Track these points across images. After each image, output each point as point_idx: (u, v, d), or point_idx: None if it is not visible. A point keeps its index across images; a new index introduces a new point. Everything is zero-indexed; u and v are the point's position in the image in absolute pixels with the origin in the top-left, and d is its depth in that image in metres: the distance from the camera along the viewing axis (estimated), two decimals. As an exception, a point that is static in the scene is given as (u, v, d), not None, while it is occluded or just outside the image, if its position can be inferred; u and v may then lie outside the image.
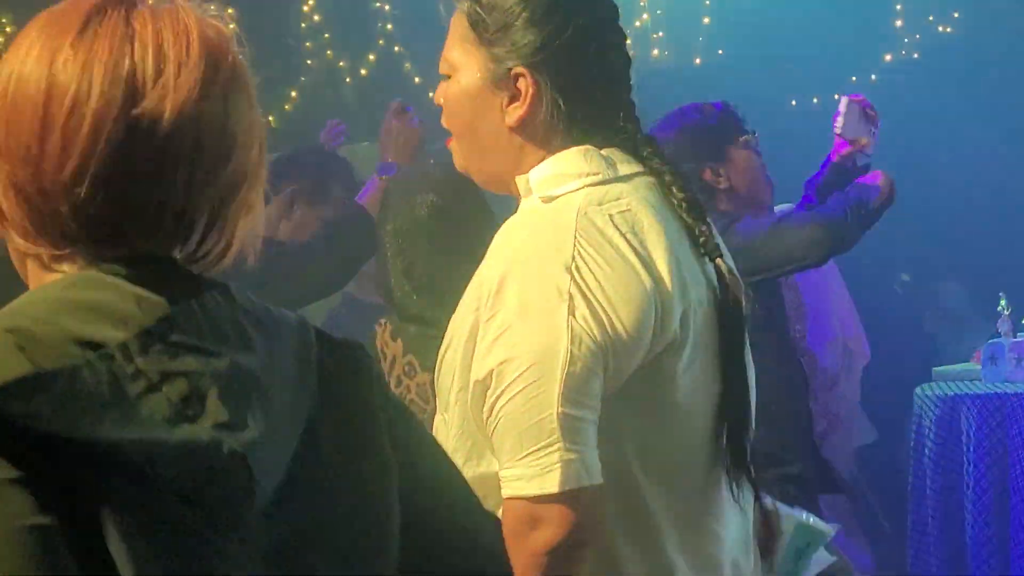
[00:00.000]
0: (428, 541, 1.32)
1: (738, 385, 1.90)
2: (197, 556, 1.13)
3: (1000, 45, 7.19)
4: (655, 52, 7.59)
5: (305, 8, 7.61)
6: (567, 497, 1.69)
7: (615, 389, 1.77)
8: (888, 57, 7.49)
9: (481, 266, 1.86)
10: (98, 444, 1.08)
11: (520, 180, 1.89)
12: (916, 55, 7.39)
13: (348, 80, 7.65)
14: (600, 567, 1.79)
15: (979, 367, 5.98)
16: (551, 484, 1.69)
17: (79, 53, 1.17)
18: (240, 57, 1.25)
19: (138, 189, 1.18)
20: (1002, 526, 5.42)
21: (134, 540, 1.08)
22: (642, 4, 7.59)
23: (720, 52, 7.43)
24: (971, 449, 5.53)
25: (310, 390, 1.26)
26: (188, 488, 1.12)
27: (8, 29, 6.12)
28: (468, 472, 1.73)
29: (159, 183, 1.18)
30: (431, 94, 6.73)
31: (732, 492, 1.91)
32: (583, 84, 1.88)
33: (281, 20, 7.53)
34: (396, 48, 7.67)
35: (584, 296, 1.73)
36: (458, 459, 1.73)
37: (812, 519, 2.18)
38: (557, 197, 1.83)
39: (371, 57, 7.67)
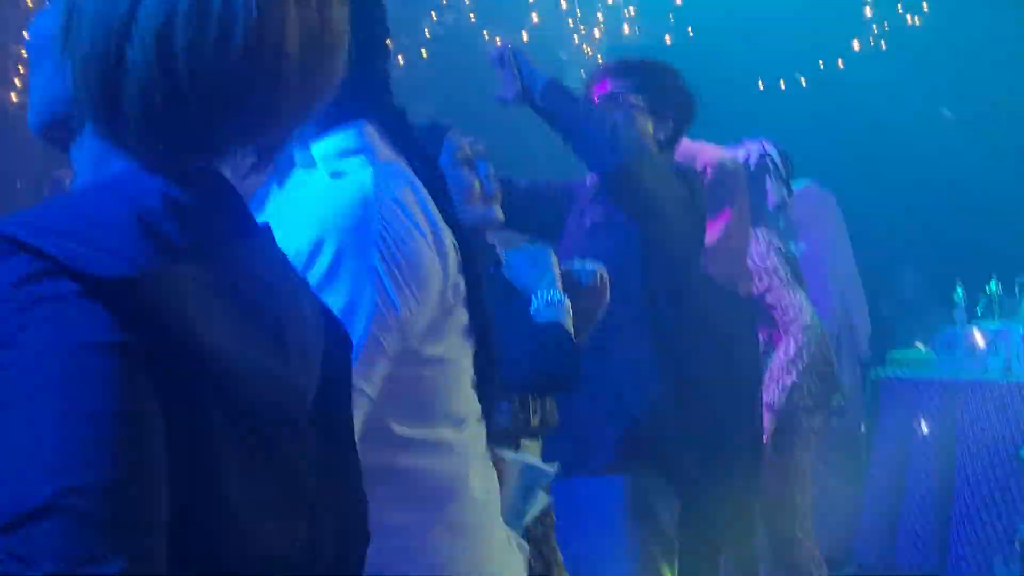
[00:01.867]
0: None
1: (482, 345, 2.00)
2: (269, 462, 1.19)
3: (966, 38, 7.26)
4: (626, 29, 7.69)
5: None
6: None
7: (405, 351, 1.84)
8: (856, 45, 7.64)
9: (282, 228, 1.86)
10: (202, 346, 1.12)
11: (301, 155, 1.93)
12: (883, 44, 7.57)
13: None
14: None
15: (933, 353, 6.12)
16: None
17: None
18: None
19: (262, 98, 1.17)
20: (941, 514, 5.60)
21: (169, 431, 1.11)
22: None
23: (690, 32, 7.45)
24: (920, 432, 5.72)
25: (321, 340, 1.34)
26: (259, 406, 1.18)
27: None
28: None
29: (281, 93, 1.19)
30: (400, 62, 6.89)
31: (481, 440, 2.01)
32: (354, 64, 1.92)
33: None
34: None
35: (389, 271, 1.79)
36: None
37: (536, 460, 2.28)
38: (346, 175, 1.87)
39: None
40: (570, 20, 7.99)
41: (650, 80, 3.56)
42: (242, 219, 1.26)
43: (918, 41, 7.51)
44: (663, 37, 7.64)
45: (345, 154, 1.91)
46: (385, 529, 1.74)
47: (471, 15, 7.98)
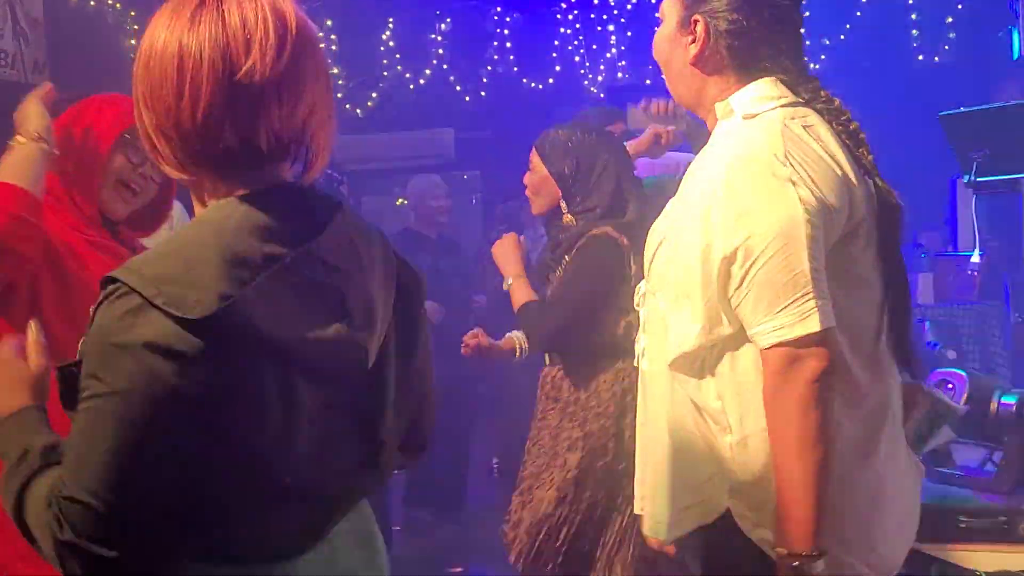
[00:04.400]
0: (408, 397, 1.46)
1: (897, 278, 1.86)
2: (301, 421, 1.24)
3: (850, 79, 7.31)
4: (619, 75, 8.45)
5: (384, 36, 8.82)
6: (824, 335, 1.67)
7: (826, 252, 1.74)
8: None
9: (693, 176, 1.85)
10: (276, 340, 1.19)
11: (720, 105, 1.88)
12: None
13: (411, 87, 8.85)
14: None
15: None
16: (812, 325, 1.66)
17: (193, 35, 1.24)
18: (304, 20, 1.30)
19: (247, 125, 1.25)
20: None
21: (259, 407, 1.20)
22: (611, 42, 8.45)
23: (663, 77, 7.35)
24: None
25: (393, 297, 1.38)
26: (320, 370, 1.25)
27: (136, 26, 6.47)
28: (704, 338, 1.78)
29: (261, 120, 1.25)
30: (467, 99, 8.05)
31: (891, 362, 1.88)
32: (752, 30, 1.86)
33: (367, 45, 8.74)
34: (444, 66, 8.83)
35: (801, 179, 1.71)
36: (698, 328, 1.78)
37: (945, 397, 2.08)
38: (758, 115, 1.82)
39: (427, 71, 8.83)
40: (581, 71, 8.66)
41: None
42: (311, 217, 1.28)
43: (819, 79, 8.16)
44: (645, 80, 7.76)
45: (757, 100, 1.85)
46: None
47: (514, 67, 8.80)
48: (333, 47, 8.62)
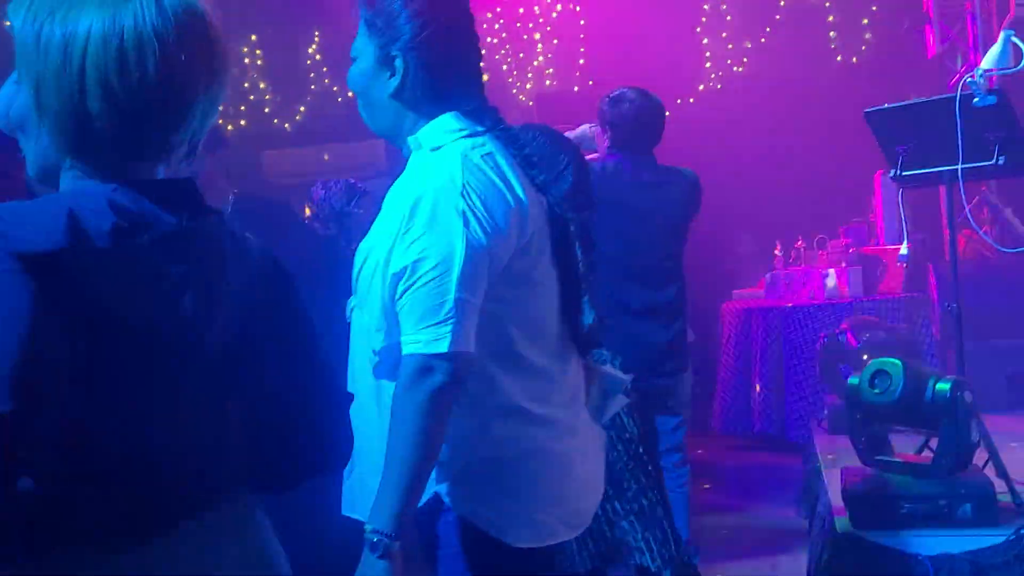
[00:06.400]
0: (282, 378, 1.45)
1: (570, 278, 2.06)
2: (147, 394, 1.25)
3: (773, 81, 8.17)
4: (547, 83, 8.62)
5: (310, 50, 8.86)
6: (452, 356, 1.82)
7: (497, 274, 1.88)
8: (701, 87, 8.62)
9: (389, 201, 1.96)
10: (103, 306, 1.21)
11: (411, 140, 1.99)
12: (719, 86, 8.63)
13: (339, 99, 8.75)
14: (482, 388, 1.92)
15: (763, 292, 7.01)
16: (442, 347, 1.82)
17: (104, 24, 1.26)
18: (211, 21, 1.33)
19: (152, 114, 1.29)
20: (779, 394, 6.39)
21: (71, 363, 1.19)
22: (538, 50, 8.62)
23: (590, 83, 8.18)
24: (758, 342, 6.53)
25: (255, 296, 1.40)
26: (142, 349, 1.25)
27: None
28: (382, 341, 1.95)
29: (166, 111, 1.30)
30: None
31: (572, 349, 2.08)
32: (445, 65, 1.95)
33: (295, 58, 8.78)
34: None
35: (473, 213, 1.84)
36: (379, 333, 1.95)
37: (613, 370, 2.25)
38: (443, 147, 1.93)
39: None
40: (509, 79, 8.79)
41: (603, 106, 4.07)
42: (176, 209, 1.30)
43: (742, 82, 8.42)
44: (573, 86, 8.54)
45: (442, 133, 1.95)
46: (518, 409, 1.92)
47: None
48: (259, 62, 8.63)
